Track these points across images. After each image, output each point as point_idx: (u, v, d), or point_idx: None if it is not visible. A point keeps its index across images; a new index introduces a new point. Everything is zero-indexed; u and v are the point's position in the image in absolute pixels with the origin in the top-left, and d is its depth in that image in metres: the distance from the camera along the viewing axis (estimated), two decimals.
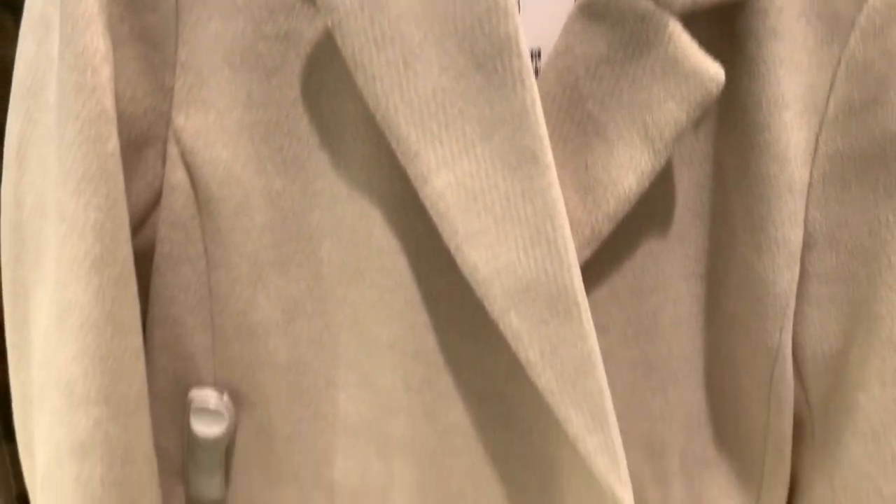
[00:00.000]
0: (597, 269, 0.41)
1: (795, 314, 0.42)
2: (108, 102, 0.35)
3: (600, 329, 0.42)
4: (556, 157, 0.37)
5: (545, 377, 0.38)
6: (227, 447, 0.44)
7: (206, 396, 0.42)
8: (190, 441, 0.43)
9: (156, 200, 0.39)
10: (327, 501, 0.46)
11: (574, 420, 0.39)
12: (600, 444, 0.39)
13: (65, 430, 0.38)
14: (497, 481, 0.45)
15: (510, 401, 0.43)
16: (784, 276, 0.40)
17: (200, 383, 0.43)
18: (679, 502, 0.48)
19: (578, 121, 0.38)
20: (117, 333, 0.37)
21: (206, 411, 0.42)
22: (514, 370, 0.42)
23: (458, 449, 0.44)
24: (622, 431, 0.41)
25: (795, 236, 0.40)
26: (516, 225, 0.36)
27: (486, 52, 0.35)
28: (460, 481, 0.45)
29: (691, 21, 0.37)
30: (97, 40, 0.35)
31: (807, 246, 0.41)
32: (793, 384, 0.43)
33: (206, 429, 0.42)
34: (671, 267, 0.43)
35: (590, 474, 0.42)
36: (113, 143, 0.35)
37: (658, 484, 0.48)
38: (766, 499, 0.48)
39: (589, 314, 0.38)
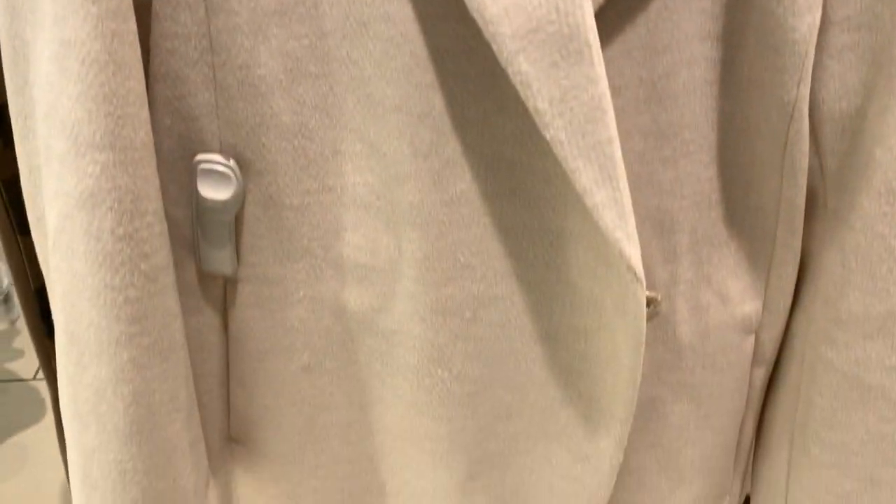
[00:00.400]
0: (609, 20, 0.40)
1: (814, 70, 0.40)
2: None
3: (612, 90, 0.41)
4: None
5: (554, 126, 0.37)
6: (236, 220, 0.45)
7: (213, 159, 0.42)
8: (198, 208, 0.43)
9: None
10: (338, 276, 0.47)
11: (582, 171, 0.38)
12: (608, 198, 0.39)
13: (72, 181, 0.38)
14: (504, 254, 0.45)
15: (518, 169, 0.43)
16: (804, 19, 0.38)
17: (206, 147, 0.42)
18: (687, 282, 0.48)
19: None
20: (119, 72, 0.36)
21: (213, 174, 0.42)
22: (522, 133, 0.42)
23: (465, 220, 0.44)
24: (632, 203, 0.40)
25: None
26: None
27: None
28: (468, 254, 0.45)
29: None
30: None
31: None
32: (807, 149, 0.42)
33: (215, 193, 0.42)
34: (686, 24, 0.41)
35: (597, 240, 0.42)
36: None
37: (666, 263, 0.48)
38: (774, 278, 0.48)
39: (601, 57, 0.37)
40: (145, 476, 0.46)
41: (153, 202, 0.40)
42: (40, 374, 1.56)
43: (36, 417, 1.46)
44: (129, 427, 0.44)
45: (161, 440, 0.45)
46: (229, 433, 0.56)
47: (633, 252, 0.40)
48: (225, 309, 0.49)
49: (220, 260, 0.45)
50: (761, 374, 0.53)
